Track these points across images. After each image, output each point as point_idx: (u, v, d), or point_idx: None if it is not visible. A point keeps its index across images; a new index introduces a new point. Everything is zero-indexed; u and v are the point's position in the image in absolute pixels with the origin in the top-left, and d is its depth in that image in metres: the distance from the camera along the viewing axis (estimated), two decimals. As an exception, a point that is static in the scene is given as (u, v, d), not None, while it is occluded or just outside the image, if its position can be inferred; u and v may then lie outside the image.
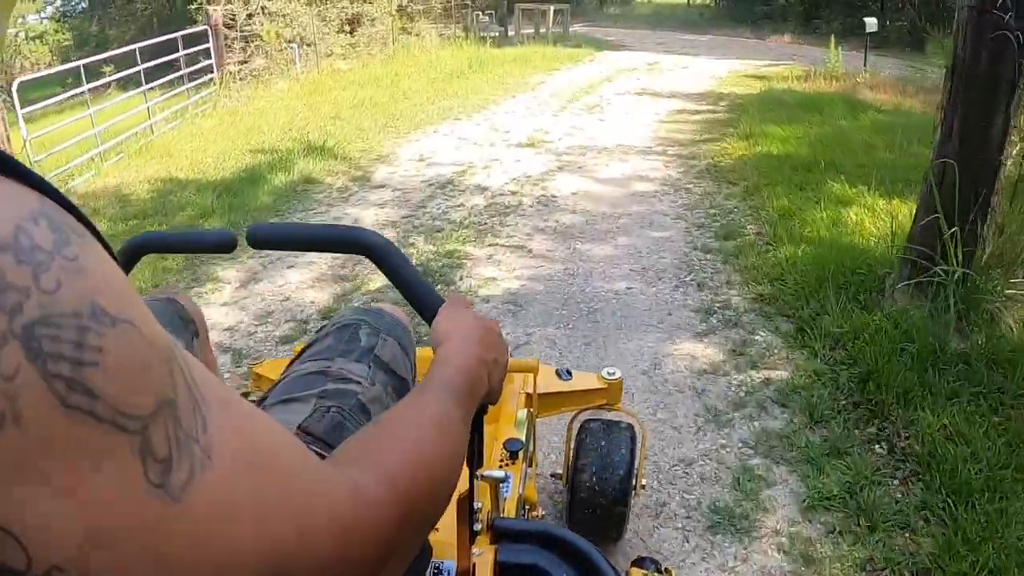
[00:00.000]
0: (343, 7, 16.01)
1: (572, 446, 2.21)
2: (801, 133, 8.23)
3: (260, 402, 1.12)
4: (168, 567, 0.41)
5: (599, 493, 2.08)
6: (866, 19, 12.86)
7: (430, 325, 0.91)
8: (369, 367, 1.13)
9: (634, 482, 2.18)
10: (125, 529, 0.39)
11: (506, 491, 1.42)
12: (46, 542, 0.37)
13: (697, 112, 10.14)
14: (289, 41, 13.99)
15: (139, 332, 0.41)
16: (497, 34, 20.63)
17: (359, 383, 1.09)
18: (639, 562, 1.29)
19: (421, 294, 0.97)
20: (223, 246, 1.12)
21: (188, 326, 1.33)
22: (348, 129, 9.08)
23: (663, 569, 1.32)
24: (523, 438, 1.59)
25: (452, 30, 19.67)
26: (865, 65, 13.24)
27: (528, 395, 1.87)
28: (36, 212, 0.39)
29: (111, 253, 0.44)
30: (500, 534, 1.09)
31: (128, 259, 1.17)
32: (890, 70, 14.16)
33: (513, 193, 6.55)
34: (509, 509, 1.43)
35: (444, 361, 0.80)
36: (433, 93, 11.89)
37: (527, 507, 1.68)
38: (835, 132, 8.34)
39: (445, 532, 1.02)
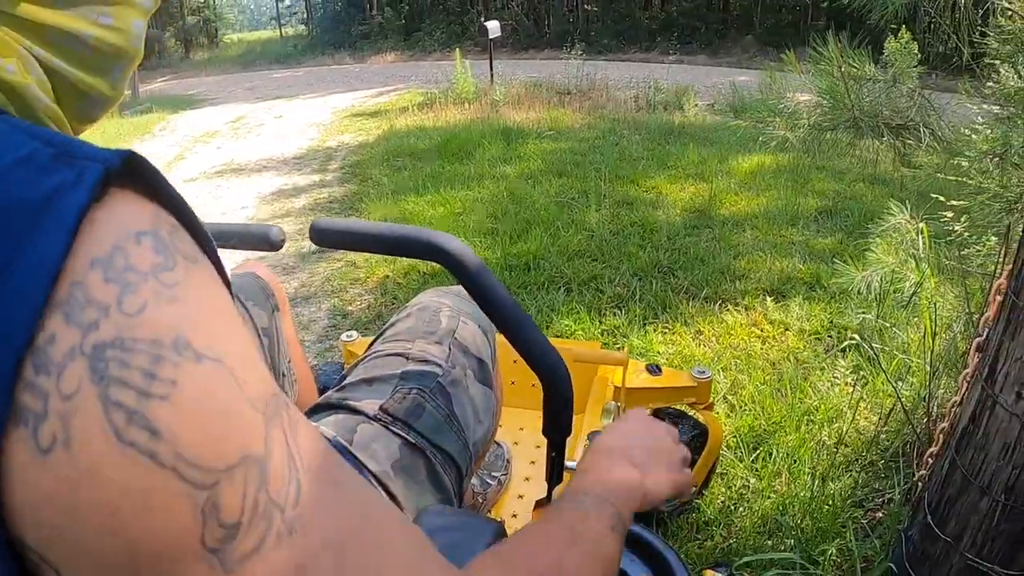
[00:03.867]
0: None
1: None
2: (461, 205, 5.33)
3: (340, 380, 1.09)
4: None
5: None
6: (488, 23, 10.37)
7: (511, 343, 0.92)
8: (449, 349, 1.10)
9: None
10: None
11: None
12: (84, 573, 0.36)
13: (300, 191, 6.89)
14: None
15: (230, 375, 0.38)
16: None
17: (439, 365, 1.07)
18: (714, 566, 1.25)
19: (504, 312, 0.93)
20: (270, 244, 1.12)
21: (270, 299, 1.32)
22: None
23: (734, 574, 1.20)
24: None
25: None
26: (493, 77, 10.81)
27: (616, 388, 1.82)
28: (143, 231, 0.38)
29: (227, 282, 0.42)
30: None
31: None
32: (519, 75, 11.94)
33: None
34: None
35: (598, 485, 0.74)
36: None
37: None
38: (507, 190, 5.55)
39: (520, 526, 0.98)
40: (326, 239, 1.04)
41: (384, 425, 0.97)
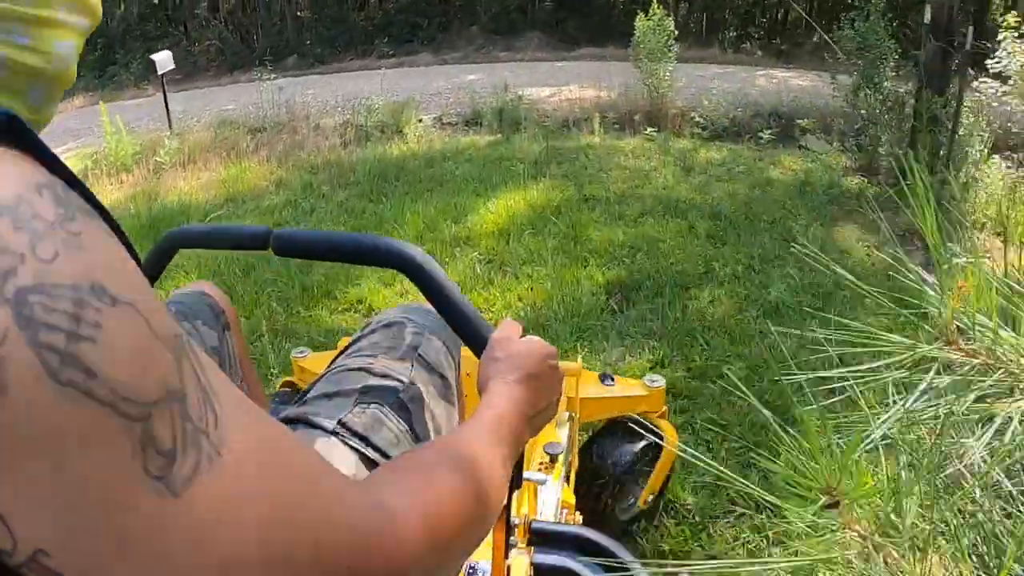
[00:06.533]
0: None
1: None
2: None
3: (302, 395, 1.12)
4: (164, 564, 0.40)
5: (589, 480, 2.04)
6: (155, 56, 7.91)
7: (478, 356, 0.91)
8: (412, 366, 1.12)
9: (636, 492, 2.12)
10: (117, 520, 0.38)
11: (545, 493, 1.41)
12: (32, 523, 0.37)
13: None
14: None
15: (143, 317, 0.40)
16: None
17: (401, 381, 1.08)
18: None
19: (466, 321, 0.95)
20: (257, 243, 1.12)
21: (219, 318, 1.34)
22: None
23: None
24: (564, 441, 1.59)
25: None
26: (171, 123, 8.40)
27: (570, 398, 1.83)
28: (42, 184, 0.40)
29: (126, 243, 0.45)
30: (536, 536, 1.07)
31: (164, 253, 1.21)
32: (212, 109, 9.63)
33: None
34: (547, 511, 1.40)
35: (488, 409, 0.80)
36: None
37: (564, 511, 1.59)
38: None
39: None
40: (286, 250, 1.05)
41: (342, 439, 0.97)
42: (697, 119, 7.18)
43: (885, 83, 5.65)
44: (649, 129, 6.91)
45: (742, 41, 13.57)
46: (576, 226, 4.40)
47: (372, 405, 1.02)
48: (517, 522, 1.01)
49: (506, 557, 1.01)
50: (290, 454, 0.49)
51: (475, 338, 0.94)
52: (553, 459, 1.53)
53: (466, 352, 1.18)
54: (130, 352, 0.38)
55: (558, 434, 1.64)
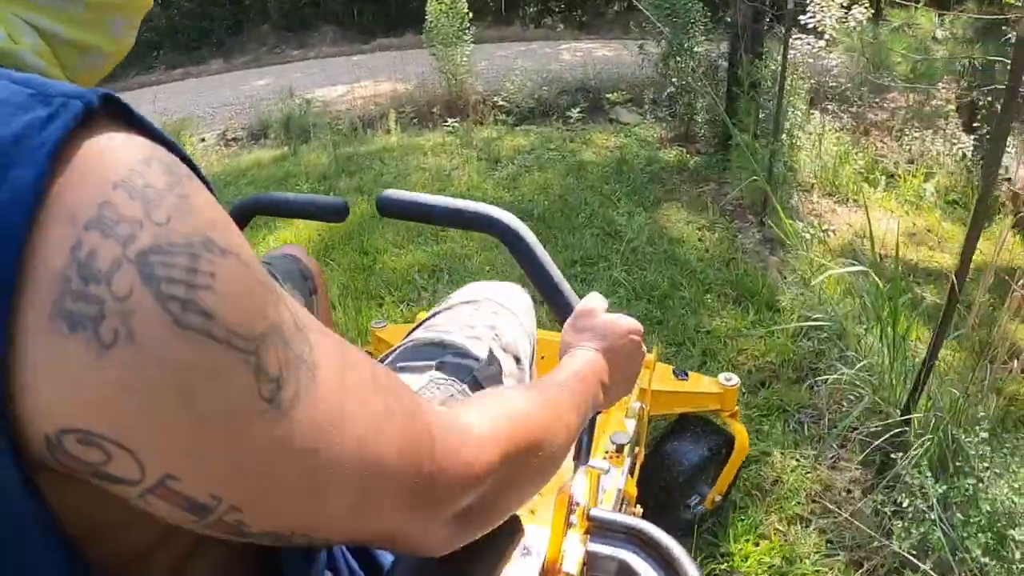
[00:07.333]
0: None
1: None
2: None
3: None
4: (276, 476, 0.43)
5: (659, 480, 2.08)
6: None
7: (562, 323, 0.94)
8: (489, 345, 1.11)
9: (704, 490, 2.16)
10: (238, 442, 0.41)
11: (607, 483, 1.42)
12: (160, 452, 0.39)
13: None
14: None
15: (245, 263, 0.43)
16: None
17: (476, 359, 1.07)
18: None
19: (554, 289, 1.00)
20: (335, 214, 1.15)
21: (307, 282, 1.36)
22: None
23: None
24: (631, 432, 1.60)
25: None
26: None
27: (642, 389, 1.81)
28: (149, 156, 0.41)
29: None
30: (593, 524, 1.07)
31: (240, 218, 1.21)
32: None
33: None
34: (608, 501, 1.42)
35: (567, 366, 0.84)
36: None
37: (625, 502, 1.60)
38: None
39: (540, 515, 1.06)
40: (392, 211, 1.07)
41: None
42: (501, 103, 6.57)
43: (697, 48, 5.23)
44: (450, 121, 6.25)
45: (543, 16, 13.15)
46: (369, 253, 3.73)
47: (445, 381, 1.01)
48: (579, 503, 0.99)
49: (564, 536, 1.00)
50: (374, 371, 0.52)
51: (563, 305, 0.99)
52: (619, 449, 1.52)
53: (540, 336, 1.21)
54: (239, 295, 0.41)
55: (626, 424, 1.64)
